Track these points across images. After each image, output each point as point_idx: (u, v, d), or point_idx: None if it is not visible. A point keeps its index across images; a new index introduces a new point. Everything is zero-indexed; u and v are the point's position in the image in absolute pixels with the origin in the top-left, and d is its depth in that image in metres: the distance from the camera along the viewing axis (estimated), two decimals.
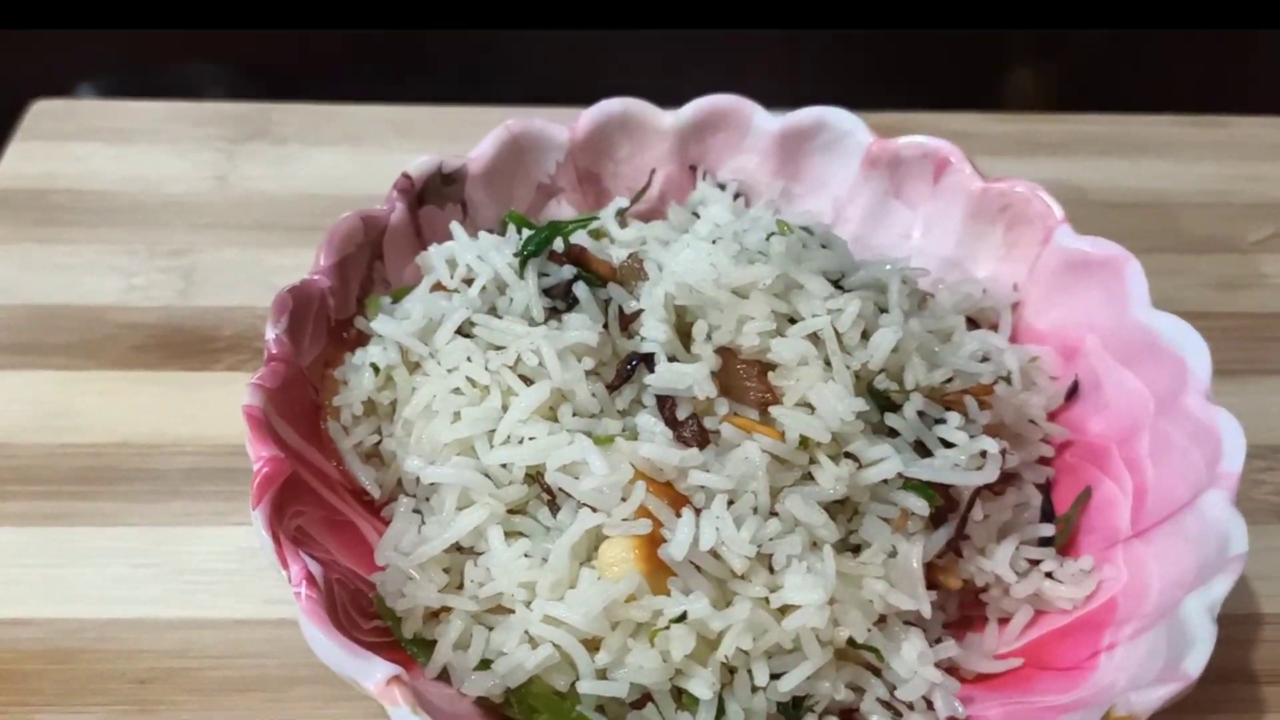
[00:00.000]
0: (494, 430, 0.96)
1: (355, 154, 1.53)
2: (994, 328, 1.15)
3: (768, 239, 1.02)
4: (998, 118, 1.63)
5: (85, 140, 1.52)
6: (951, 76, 2.08)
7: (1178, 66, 2.05)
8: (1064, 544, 1.04)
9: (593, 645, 0.88)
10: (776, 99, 1.29)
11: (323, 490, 0.98)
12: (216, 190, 1.47)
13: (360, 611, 0.92)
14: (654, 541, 0.89)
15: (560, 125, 1.23)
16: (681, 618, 0.87)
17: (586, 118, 1.23)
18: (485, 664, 0.90)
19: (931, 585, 0.95)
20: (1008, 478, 1.02)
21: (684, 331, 0.99)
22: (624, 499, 0.90)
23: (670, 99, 1.26)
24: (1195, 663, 0.83)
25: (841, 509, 0.95)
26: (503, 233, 1.11)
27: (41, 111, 1.56)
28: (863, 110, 1.26)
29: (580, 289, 1.02)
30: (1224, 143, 1.60)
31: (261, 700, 0.99)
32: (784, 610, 0.89)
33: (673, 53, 2.01)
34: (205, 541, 1.10)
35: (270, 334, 0.99)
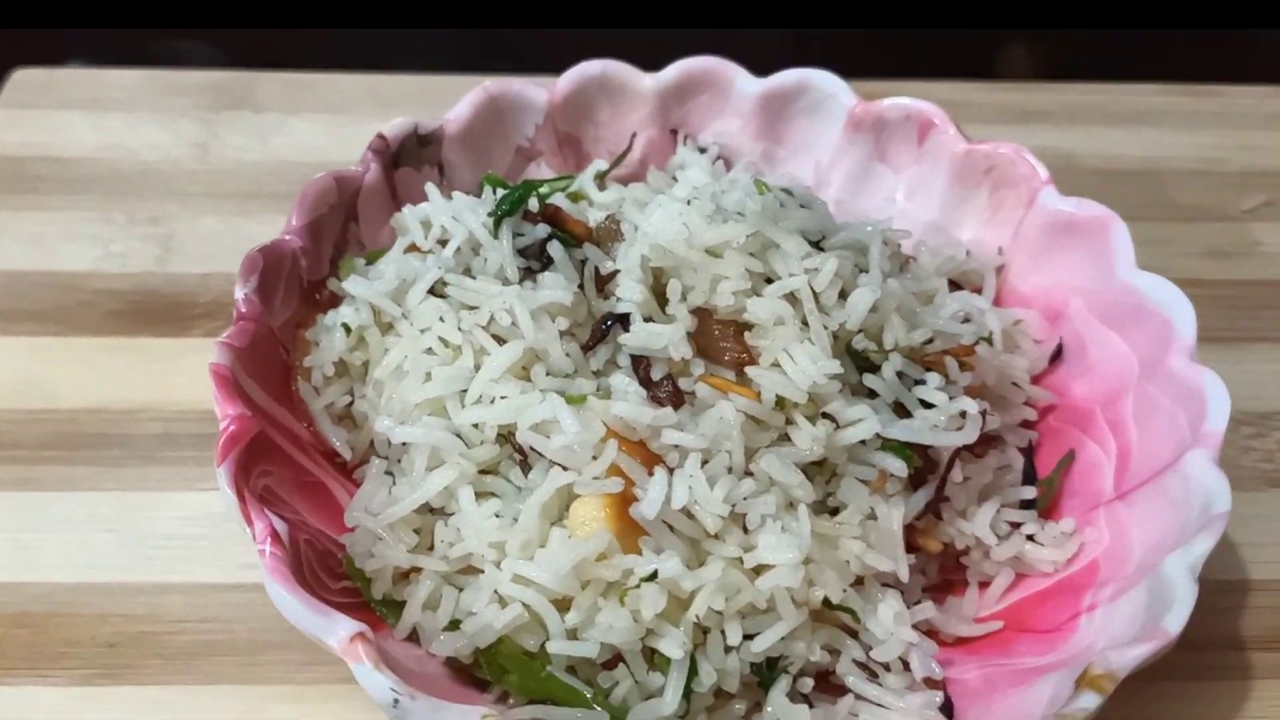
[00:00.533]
0: (465, 390, 0.95)
1: (335, 123, 1.51)
2: (978, 291, 1.14)
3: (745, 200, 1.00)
4: (986, 86, 1.61)
5: (64, 109, 1.51)
6: (943, 47, 2.06)
7: (1172, 37, 2.03)
8: (1046, 507, 1.03)
9: (563, 605, 0.87)
10: (764, 67, 1.28)
11: (293, 451, 0.96)
12: (196, 159, 1.46)
13: (329, 573, 0.90)
14: (625, 501, 0.87)
15: (539, 87, 1.21)
16: (652, 576, 0.85)
17: (566, 80, 1.22)
18: (455, 625, 0.89)
19: (911, 548, 0.93)
20: (989, 440, 1.00)
21: (659, 292, 0.97)
22: (595, 457, 0.88)
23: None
24: (1175, 620, 0.81)
25: (819, 470, 0.93)
26: (480, 195, 1.09)
27: (21, 81, 1.54)
28: (850, 79, 1.25)
29: (555, 248, 1.00)
30: (1216, 112, 1.58)
31: (231, 665, 0.98)
32: (758, 570, 0.87)
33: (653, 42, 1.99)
34: (176, 507, 1.08)
35: (239, 293, 0.98)
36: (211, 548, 1.05)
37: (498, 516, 0.91)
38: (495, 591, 0.88)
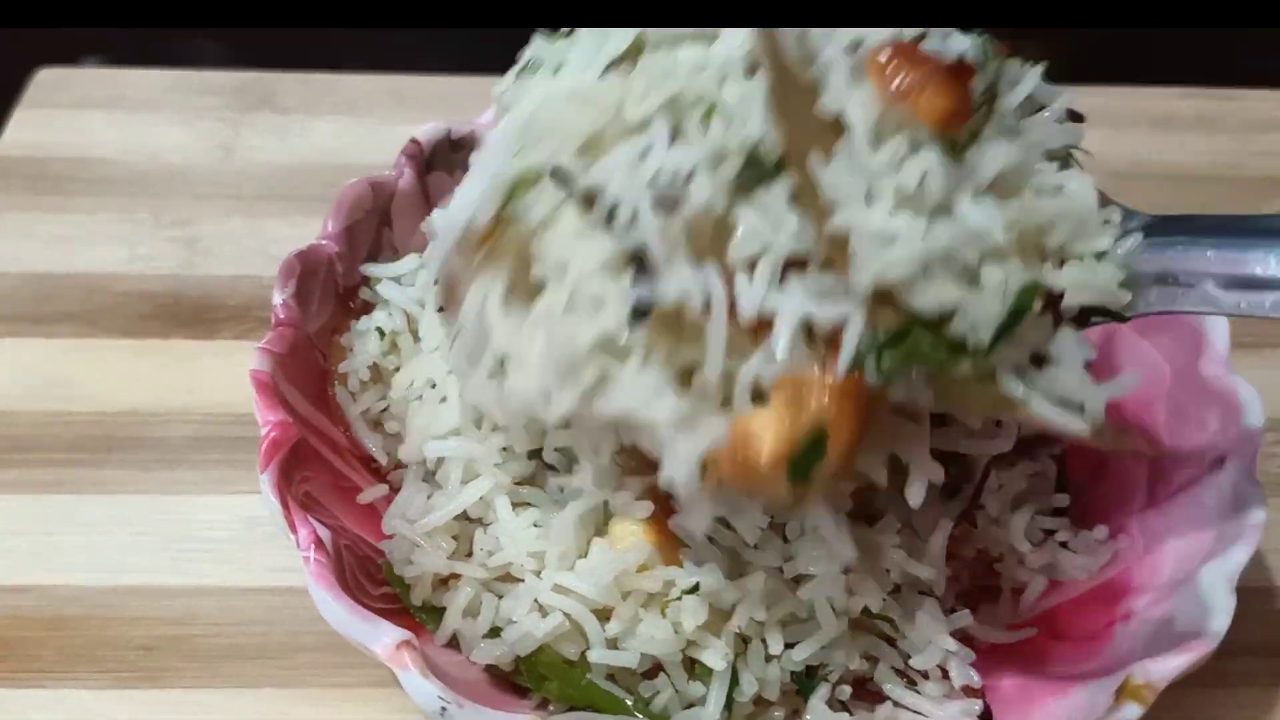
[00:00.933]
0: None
1: (358, 124, 1.52)
2: None
3: None
4: None
5: (88, 109, 1.51)
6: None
7: (1186, 50, 2.03)
8: (1079, 514, 1.03)
9: (603, 615, 0.87)
10: None
11: (331, 457, 0.97)
12: (220, 160, 1.46)
13: (369, 578, 0.91)
14: (666, 512, 0.88)
15: None
16: (694, 589, 0.86)
17: None
18: (495, 632, 0.89)
19: (946, 555, 0.94)
20: (1022, 447, 1.00)
21: None
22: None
23: None
24: (1215, 629, 0.82)
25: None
26: None
27: (44, 80, 1.54)
28: None
29: None
30: (1237, 116, 1.59)
31: (266, 667, 0.98)
32: (798, 580, 0.88)
33: None
34: (207, 510, 1.09)
35: (278, 299, 0.98)
36: (243, 551, 1.06)
37: (536, 526, 0.91)
38: (535, 600, 0.88)
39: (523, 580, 0.90)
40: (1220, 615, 0.83)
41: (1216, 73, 1.64)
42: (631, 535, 0.88)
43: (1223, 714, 0.99)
